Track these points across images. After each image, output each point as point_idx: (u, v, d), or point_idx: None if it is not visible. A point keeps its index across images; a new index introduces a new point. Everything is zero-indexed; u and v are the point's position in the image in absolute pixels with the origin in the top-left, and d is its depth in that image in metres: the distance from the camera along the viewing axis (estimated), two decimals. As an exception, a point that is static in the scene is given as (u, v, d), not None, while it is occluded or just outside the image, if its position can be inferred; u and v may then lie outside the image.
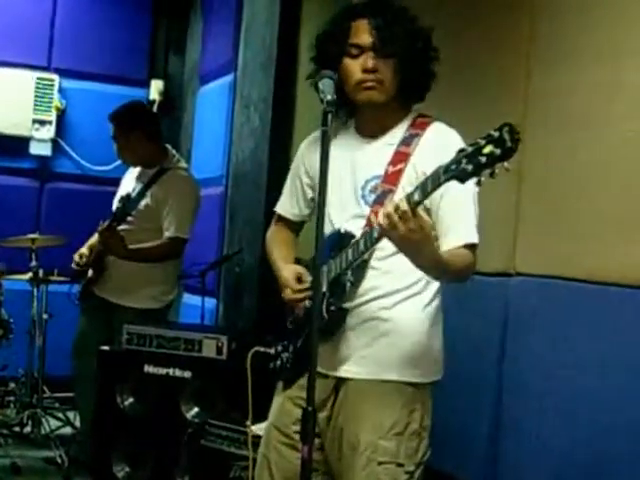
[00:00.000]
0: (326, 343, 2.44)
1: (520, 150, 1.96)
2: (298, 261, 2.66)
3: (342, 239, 2.48)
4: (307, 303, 2.53)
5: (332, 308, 2.46)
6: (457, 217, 2.41)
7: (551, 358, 3.02)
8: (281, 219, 2.82)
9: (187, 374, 4.04)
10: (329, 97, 2.24)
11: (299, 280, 2.53)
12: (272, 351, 2.70)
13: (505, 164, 1.95)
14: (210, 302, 5.70)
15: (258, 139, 5.42)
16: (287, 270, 2.58)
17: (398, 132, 2.53)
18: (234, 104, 5.88)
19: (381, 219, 2.16)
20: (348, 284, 2.47)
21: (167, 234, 4.66)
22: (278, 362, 2.67)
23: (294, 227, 2.82)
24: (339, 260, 2.43)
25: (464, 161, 1.99)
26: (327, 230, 2.46)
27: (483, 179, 1.98)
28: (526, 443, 3.08)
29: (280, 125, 5.22)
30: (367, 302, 2.49)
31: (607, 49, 2.93)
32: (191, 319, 5.65)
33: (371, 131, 2.57)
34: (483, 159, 1.96)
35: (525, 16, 3.30)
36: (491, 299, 3.33)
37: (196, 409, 4.01)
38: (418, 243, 2.14)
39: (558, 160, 3.06)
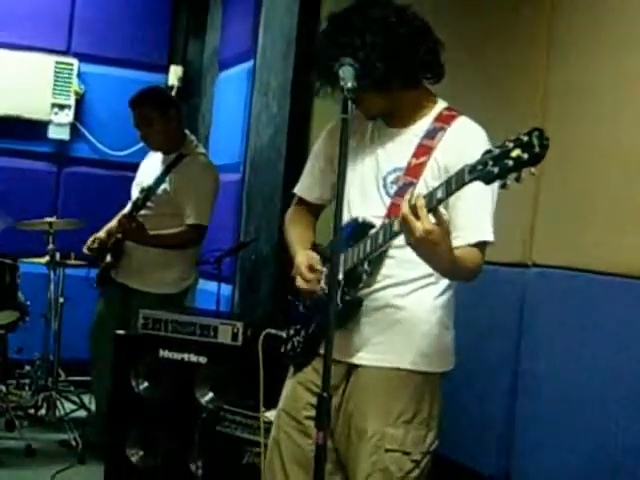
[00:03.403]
0: (339, 330, 2.42)
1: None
2: (315, 246, 2.64)
3: (361, 228, 2.46)
4: (321, 289, 2.50)
5: (347, 297, 2.45)
6: (474, 212, 2.38)
7: (567, 349, 3.01)
8: (301, 201, 2.79)
9: (202, 359, 4.05)
10: (349, 84, 2.20)
11: (311, 269, 2.51)
12: (284, 334, 2.69)
13: (532, 169, 1.93)
14: (226, 288, 5.71)
15: (276, 126, 5.41)
16: (301, 256, 2.56)
17: (424, 124, 2.50)
18: (253, 91, 5.87)
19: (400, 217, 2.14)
20: (364, 275, 2.46)
21: (188, 221, 4.67)
22: (289, 346, 2.66)
23: (313, 210, 2.79)
24: (357, 250, 2.42)
25: (490, 163, 1.97)
26: (346, 218, 2.44)
27: (509, 182, 1.96)
28: (541, 433, 3.08)
29: (298, 112, 5.20)
30: (382, 289, 2.48)
31: (626, 42, 2.90)
32: (207, 305, 5.66)
33: (397, 121, 2.54)
34: (510, 162, 1.94)
35: (544, 10, 3.28)
36: (508, 290, 3.32)
37: (210, 395, 4.02)
38: (434, 244, 2.12)
39: (577, 151, 3.05)
